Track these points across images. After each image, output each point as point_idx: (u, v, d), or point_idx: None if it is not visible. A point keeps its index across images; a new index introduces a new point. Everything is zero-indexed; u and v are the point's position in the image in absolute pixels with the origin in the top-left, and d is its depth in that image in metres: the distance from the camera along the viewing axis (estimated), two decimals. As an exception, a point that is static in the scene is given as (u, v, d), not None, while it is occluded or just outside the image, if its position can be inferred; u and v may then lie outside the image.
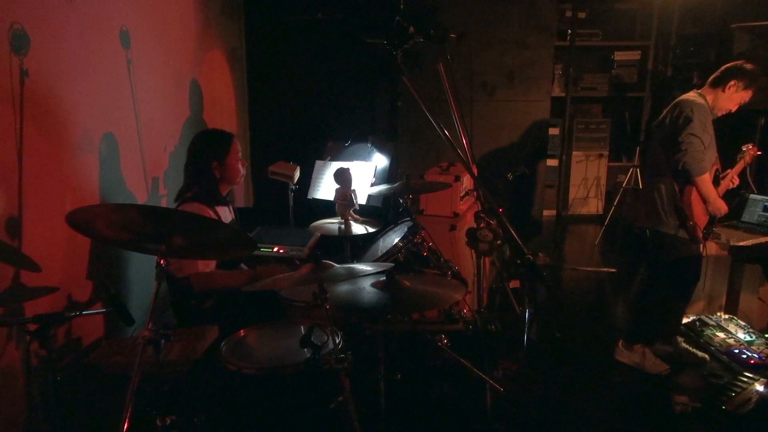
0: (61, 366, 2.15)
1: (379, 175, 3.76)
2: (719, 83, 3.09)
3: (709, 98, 3.09)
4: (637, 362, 3.23)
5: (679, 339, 3.45)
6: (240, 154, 2.71)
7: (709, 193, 3.03)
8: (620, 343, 3.32)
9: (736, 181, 3.27)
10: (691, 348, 3.39)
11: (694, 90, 3.19)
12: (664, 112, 3.19)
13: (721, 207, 3.09)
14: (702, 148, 2.94)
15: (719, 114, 3.12)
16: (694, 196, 3.02)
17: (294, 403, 1.95)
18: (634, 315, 3.40)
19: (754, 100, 3.17)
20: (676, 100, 3.15)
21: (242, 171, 2.73)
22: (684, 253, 3.14)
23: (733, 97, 3.08)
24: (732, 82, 3.04)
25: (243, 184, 4.87)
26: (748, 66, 3.07)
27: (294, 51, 4.89)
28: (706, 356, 3.34)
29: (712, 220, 3.14)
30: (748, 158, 3.33)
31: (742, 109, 3.18)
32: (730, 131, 4.52)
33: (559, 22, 5.26)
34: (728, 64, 3.14)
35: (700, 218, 3.06)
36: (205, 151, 2.63)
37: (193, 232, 1.79)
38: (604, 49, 6.43)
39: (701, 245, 3.13)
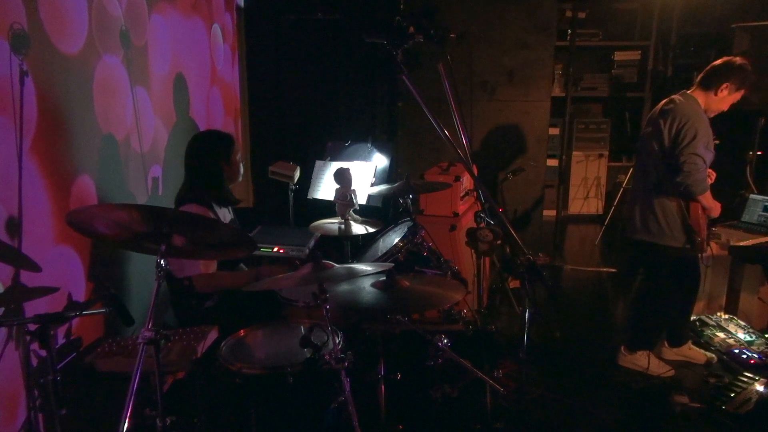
0: (61, 366, 2.14)
1: (379, 175, 3.76)
2: (710, 86, 2.94)
3: (701, 100, 2.95)
4: (641, 366, 3.21)
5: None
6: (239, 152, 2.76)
7: (712, 204, 2.98)
8: (622, 349, 3.30)
9: (713, 176, 3.11)
10: (697, 349, 3.38)
11: (685, 91, 3.03)
12: (657, 117, 3.02)
13: (718, 208, 3.03)
14: (704, 166, 2.85)
15: (711, 116, 2.99)
16: (700, 211, 2.97)
17: (294, 403, 1.95)
18: (634, 322, 3.36)
19: (754, 100, 3.12)
20: (669, 106, 2.99)
21: (242, 169, 2.78)
22: (688, 261, 3.13)
23: (725, 100, 2.95)
24: (724, 86, 2.90)
25: (243, 183, 4.87)
26: (738, 63, 2.91)
27: (294, 51, 4.89)
28: (713, 357, 3.32)
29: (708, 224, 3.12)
30: None
31: (742, 109, 3.12)
32: (731, 131, 4.52)
33: (559, 22, 5.25)
34: (717, 63, 2.97)
35: (705, 230, 3.03)
36: (211, 152, 2.65)
37: (193, 232, 1.79)
38: (604, 49, 6.42)
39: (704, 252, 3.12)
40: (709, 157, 2.91)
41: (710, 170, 3.02)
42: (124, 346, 2.20)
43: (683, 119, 2.88)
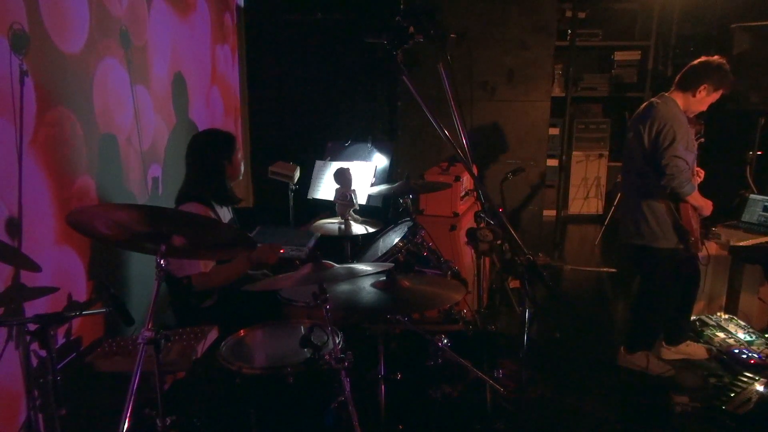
0: (61, 366, 2.15)
1: (379, 175, 3.76)
2: (689, 87, 2.93)
3: (680, 102, 2.96)
4: (641, 366, 3.20)
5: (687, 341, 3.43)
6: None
7: (702, 203, 2.98)
8: (622, 349, 3.30)
9: (702, 174, 3.13)
10: (696, 344, 3.38)
11: (663, 94, 3.03)
12: (636, 122, 3.02)
13: (709, 206, 3.03)
14: (687, 167, 2.86)
15: (690, 116, 2.99)
16: (690, 211, 2.97)
17: (294, 403, 1.95)
18: (633, 323, 3.36)
19: (754, 100, 3.11)
20: (647, 109, 2.99)
21: (242, 167, 2.79)
22: (684, 260, 3.13)
23: (704, 101, 2.95)
24: (702, 87, 2.90)
25: (243, 183, 4.87)
26: (716, 64, 2.90)
27: (294, 51, 4.89)
28: (713, 348, 3.32)
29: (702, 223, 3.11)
30: None
31: (742, 109, 3.12)
32: (730, 131, 4.52)
33: (559, 22, 5.26)
34: (695, 63, 2.96)
35: (698, 230, 3.03)
36: (214, 151, 2.65)
37: (193, 232, 1.79)
38: (604, 49, 6.42)
39: (701, 252, 3.12)
40: (690, 158, 2.92)
41: (698, 168, 3.02)
42: (124, 346, 2.20)
43: (661, 122, 2.88)
